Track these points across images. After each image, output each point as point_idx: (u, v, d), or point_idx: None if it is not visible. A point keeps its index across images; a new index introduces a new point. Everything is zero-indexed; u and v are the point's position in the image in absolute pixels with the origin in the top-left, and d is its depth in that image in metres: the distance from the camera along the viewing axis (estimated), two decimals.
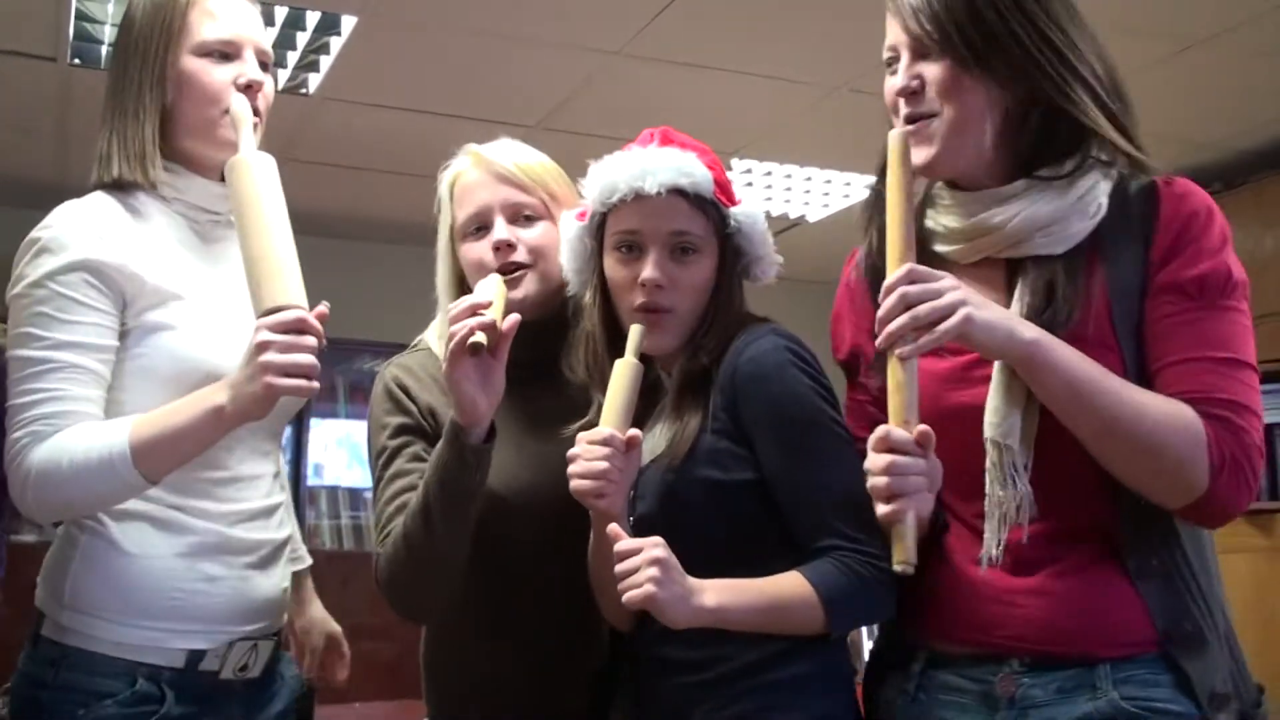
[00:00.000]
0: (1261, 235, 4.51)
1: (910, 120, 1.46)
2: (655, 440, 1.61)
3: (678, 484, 1.55)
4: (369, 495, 5.81)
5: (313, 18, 3.70)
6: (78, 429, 1.52)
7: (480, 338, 1.50)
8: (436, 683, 1.81)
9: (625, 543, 1.43)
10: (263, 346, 1.45)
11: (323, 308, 1.50)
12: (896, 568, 1.32)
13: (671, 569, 1.42)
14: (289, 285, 1.50)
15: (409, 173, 5.01)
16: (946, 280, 1.32)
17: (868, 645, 3.64)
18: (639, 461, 1.56)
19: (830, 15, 3.57)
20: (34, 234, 1.59)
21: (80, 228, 1.58)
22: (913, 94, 1.46)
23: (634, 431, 1.52)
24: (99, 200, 1.63)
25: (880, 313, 1.32)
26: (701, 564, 1.52)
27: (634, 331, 1.58)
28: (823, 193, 5.34)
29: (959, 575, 1.46)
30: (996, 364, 1.40)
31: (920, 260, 1.38)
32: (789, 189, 5.27)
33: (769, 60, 3.92)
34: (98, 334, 1.56)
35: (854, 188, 5.26)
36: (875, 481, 1.32)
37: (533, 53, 3.87)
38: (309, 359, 1.46)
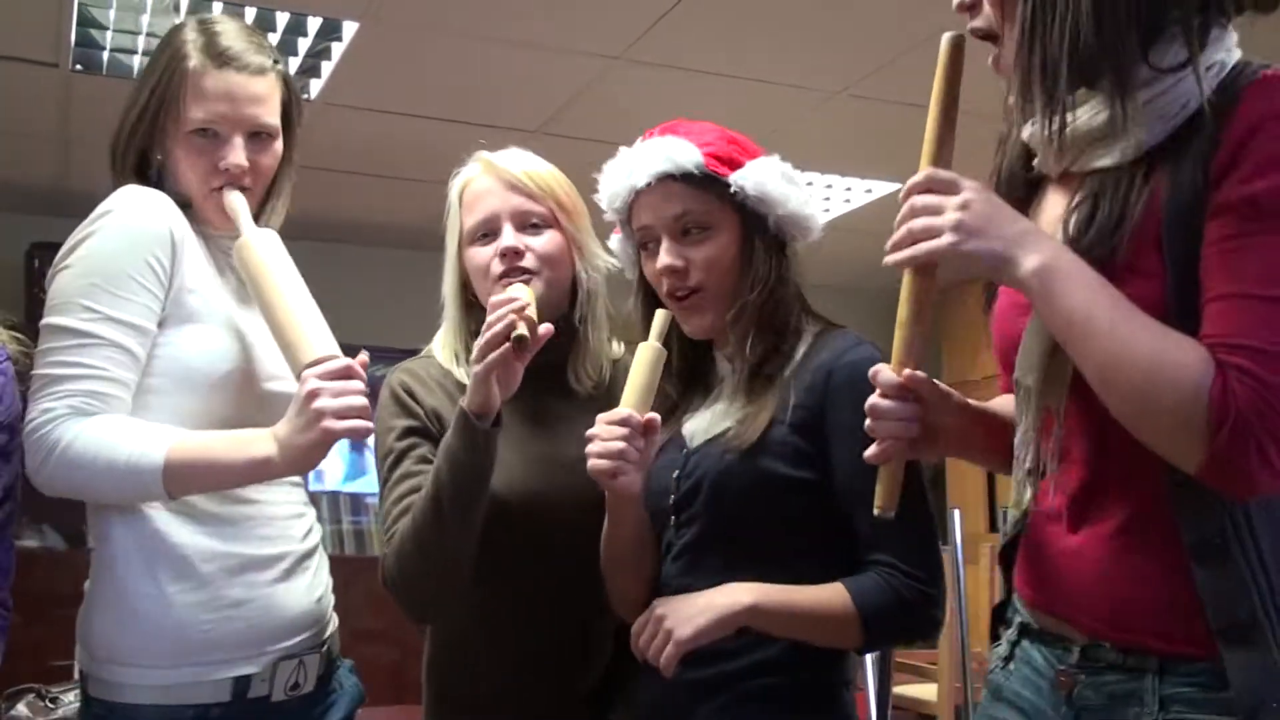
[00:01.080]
0: None
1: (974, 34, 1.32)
2: (712, 421, 1.61)
3: (738, 470, 1.55)
4: (370, 500, 5.88)
5: (314, 23, 3.71)
6: (118, 422, 1.51)
7: (523, 329, 1.52)
8: (438, 689, 1.81)
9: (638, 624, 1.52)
10: (314, 395, 1.46)
11: (364, 356, 1.52)
12: (875, 512, 1.32)
13: (674, 608, 1.49)
14: (324, 340, 1.53)
15: (410, 178, 5.02)
16: (962, 195, 1.22)
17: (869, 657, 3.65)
18: (657, 445, 1.57)
19: (830, 21, 3.58)
20: (100, 210, 1.60)
21: (151, 212, 1.60)
22: (970, 7, 1.32)
23: (652, 415, 1.54)
24: (156, 193, 1.64)
25: (897, 218, 1.26)
26: (731, 548, 1.55)
27: (659, 316, 1.61)
28: (823, 197, 5.34)
29: (1033, 527, 1.40)
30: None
31: (1015, 180, 1.35)
32: None
33: (769, 65, 3.92)
34: (145, 316, 1.56)
35: (854, 192, 5.27)
36: (869, 424, 1.31)
37: (534, 58, 3.88)
38: (361, 400, 1.48)
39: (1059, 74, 1.24)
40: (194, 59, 1.64)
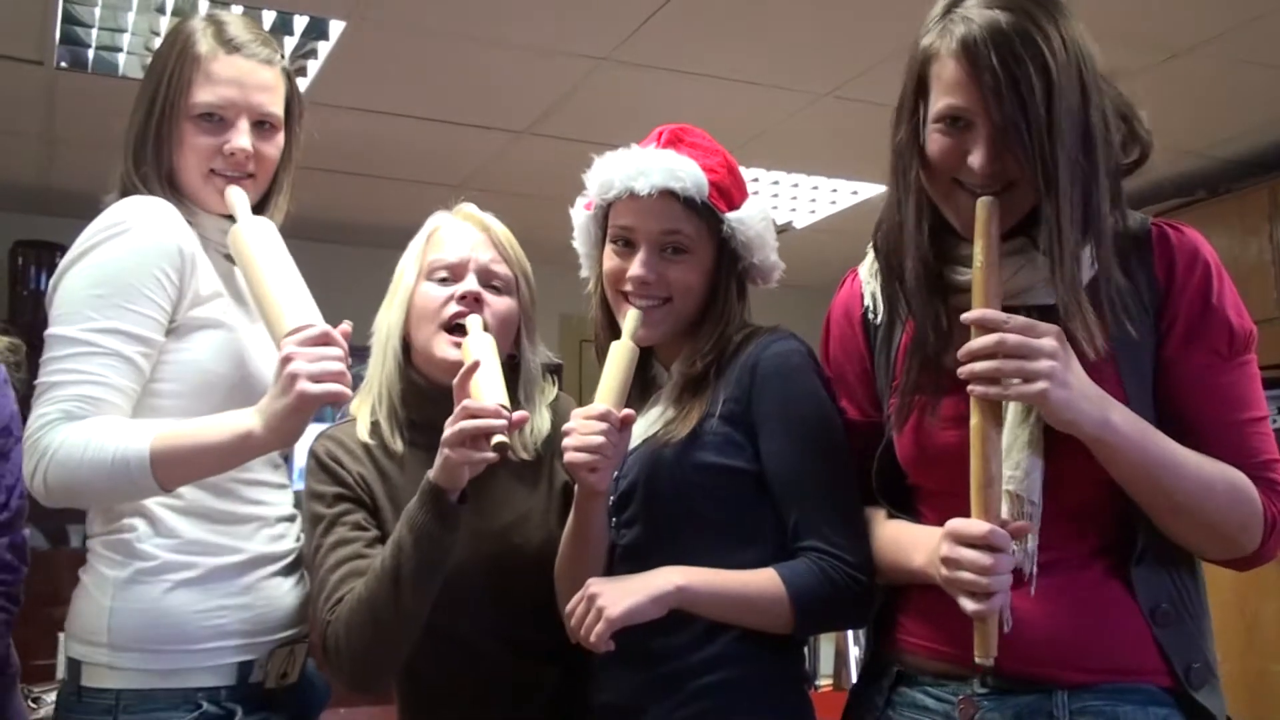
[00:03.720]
0: (1245, 243, 4.52)
1: (988, 189, 1.39)
2: (648, 426, 1.64)
3: (670, 463, 1.59)
4: None
5: (300, 22, 3.70)
6: (104, 421, 1.51)
7: (505, 439, 1.52)
8: (409, 693, 1.81)
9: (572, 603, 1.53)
10: (288, 359, 1.45)
11: (346, 325, 1.51)
12: (979, 661, 1.33)
13: (607, 586, 1.51)
14: (306, 310, 1.52)
15: (398, 178, 5.01)
16: (1049, 342, 1.30)
17: (855, 652, 3.66)
18: (628, 442, 1.59)
19: (817, 22, 3.58)
20: (108, 219, 1.60)
21: (160, 224, 1.60)
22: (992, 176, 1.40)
23: (628, 411, 1.55)
24: (163, 202, 1.64)
25: (971, 345, 1.31)
26: (673, 544, 1.57)
27: (631, 316, 1.63)
28: (809, 199, 5.35)
29: (927, 594, 1.46)
30: (1012, 409, 1.39)
31: (930, 281, 1.44)
32: (776, 195, 5.28)
33: (756, 66, 3.93)
34: (151, 328, 1.57)
35: (840, 194, 5.28)
36: (975, 580, 1.31)
37: (521, 58, 3.87)
38: (338, 365, 1.47)
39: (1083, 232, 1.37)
40: (204, 44, 1.66)
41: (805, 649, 1.65)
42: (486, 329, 1.70)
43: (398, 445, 1.75)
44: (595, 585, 1.53)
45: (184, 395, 1.59)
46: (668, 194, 1.61)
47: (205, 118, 1.66)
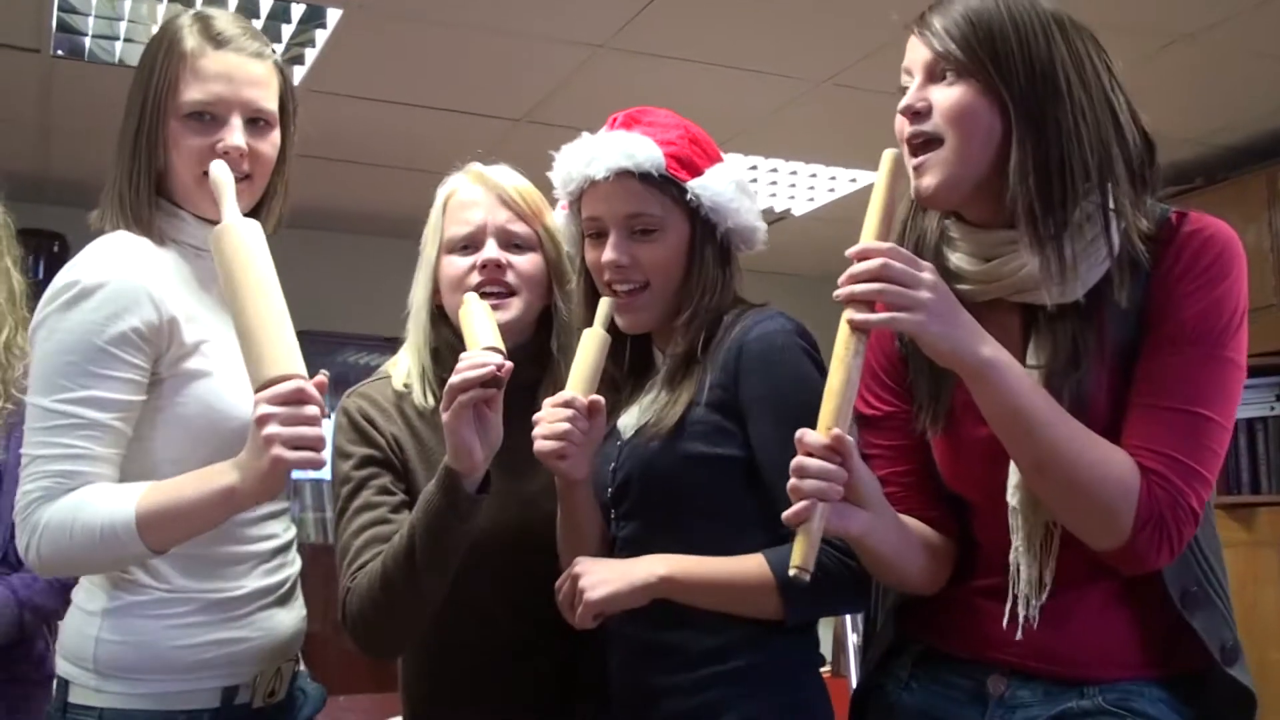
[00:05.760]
0: (1243, 230, 4.48)
1: (910, 141, 1.41)
2: (641, 414, 1.63)
3: (660, 455, 1.57)
4: None
5: (298, 10, 3.69)
6: (90, 491, 1.48)
7: (485, 371, 1.49)
8: (412, 680, 1.81)
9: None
10: (264, 420, 1.39)
11: (321, 377, 1.45)
12: (791, 573, 1.28)
13: (592, 568, 1.51)
14: (284, 355, 1.43)
15: (395, 165, 5.00)
16: (930, 275, 1.30)
17: (853, 638, 3.67)
18: (603, 428, 1.58)
19: (815, 10, 3.58)
20: (72, 275, 1.53)
21: (127, 279, 1.53)
22: (916, 114, 1.40)
23: (596, 397, 1.54)
24: (131, 244, 1.58)
25: (853, 269, 1.30)
26: (672, 535, 1.55)
27: (603, 304, 1.61)
28: (808, 186, 5.34)
29: (967, 592, 1.48)
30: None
31: None
32: (774, 183, 5.27)
33: (754, 54, 3.92)
34: (127, 389, 1.52)
35: (839, 182, 5.27)
36: (789, 483, 1.30)
37: (518, 46, 3.86)
38: (315, 431, 1.40)
39: (1069, 208, 1.35)
40: (191, 41, 1.61)
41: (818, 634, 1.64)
42: (514, 292, 1.71)
43: (429, 402, 1.73)
44: (580, 565, 1.52)
45: (171, 448, 1.56)
46: (625, 175, 1.59)
47: (195, 117, 1.60)
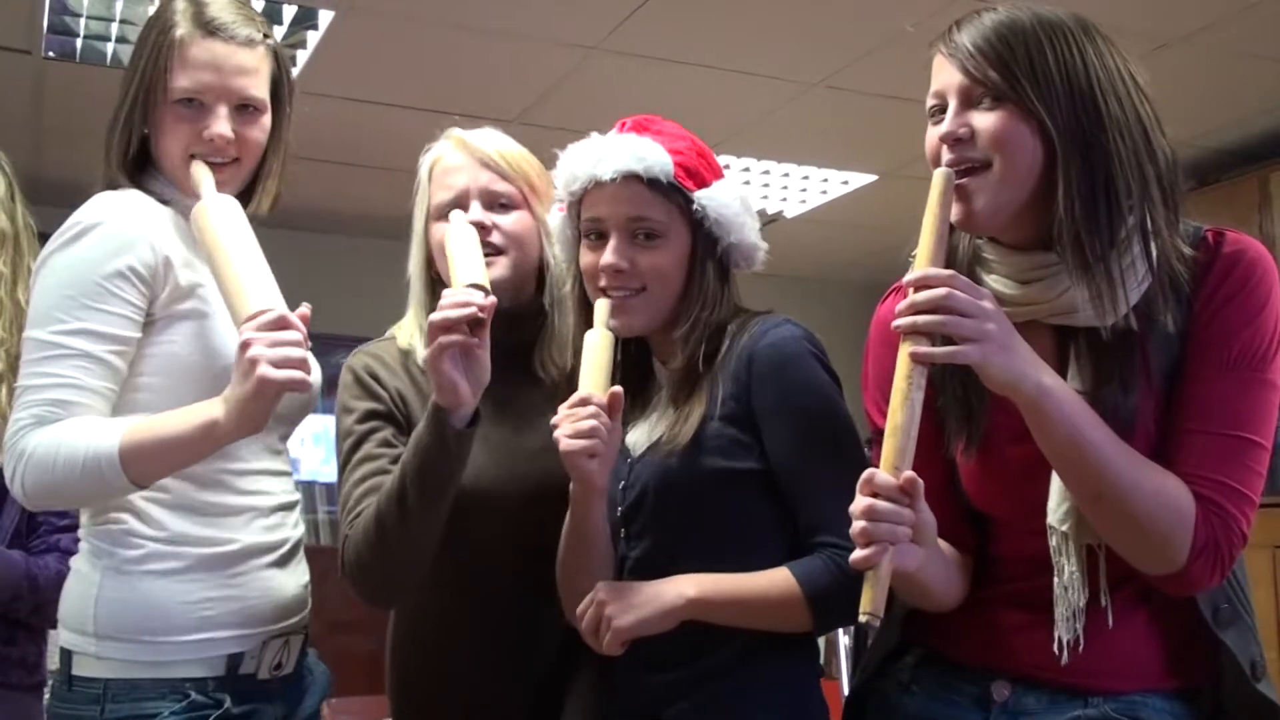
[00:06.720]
0: None
1: (955, 165, 1.36)
2: (651, 430, 1.61)
3: (678, 472, 1.54)
4: None
5: (289, 11, 3.69)
6: (77, 422, 1.50)
7: (467, 313, 1.49)
8: (397, 676, 1.81)
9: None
10: (247, 344, 1.42)
11: (304, 308, 1.48)
12: (861, 618, 1.24)
13: (617, 595, 1.49)
14: (265, 293, 1.48)
15: (386, 167, 4.99)
16: (989, 306, 1.27)
17: (844, 641, 3.67)
18: (620, 432, 1.55)
19: (808, 12, 3.58)
20: (74, 218, 1.57)
21: (125, 220, 1.57)
22: (958, 141, 1.36)
23: (615, 389, 1.50)
24: (132, 194, 1.62)
25: (914, 298, 1.27)
26: (685, 554, 1.53)
27: (600, 305, 1.58)
28: (800, 189, 5.35)
29: (976, 599, 1.47)
30: None
31: None
32: (767, 185, 5.28)
33: (747, 56, 3.93)
34: (122, 325, 1.55)
35: (831, 184, 5.28)
36: (854, 525, 1.26)
37: (511, 47, 3.87)
38: (298, 351, 1.44)
39: (1115, 229, 1.33)
40: (182, 28, 1.63)
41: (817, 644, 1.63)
42: (501, 251, 1.71)
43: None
44: (604, 592, 1.50)
45: (165, 388, 1.57)
46: (632, 178, 1.57)
47: (184, 103, 1.62)
